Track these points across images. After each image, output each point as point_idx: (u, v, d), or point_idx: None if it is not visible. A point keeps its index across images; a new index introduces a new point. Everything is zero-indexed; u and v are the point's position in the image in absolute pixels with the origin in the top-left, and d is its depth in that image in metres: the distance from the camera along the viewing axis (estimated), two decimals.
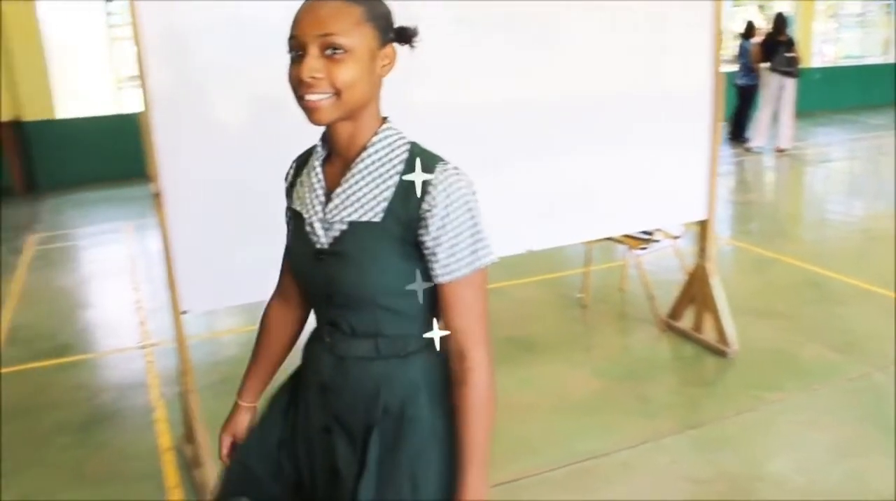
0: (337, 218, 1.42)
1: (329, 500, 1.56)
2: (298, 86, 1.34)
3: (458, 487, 1.45)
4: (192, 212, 2.88)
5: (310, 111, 1.35)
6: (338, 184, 1.44)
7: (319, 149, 1.49)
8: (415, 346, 1.49)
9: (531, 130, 3.53)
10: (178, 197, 2.84)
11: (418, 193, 1.38)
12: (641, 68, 3.79)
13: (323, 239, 1.45)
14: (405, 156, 1.42)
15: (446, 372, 1.50)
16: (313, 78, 1.31)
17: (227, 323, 4.89)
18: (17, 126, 9.41)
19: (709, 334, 4.31)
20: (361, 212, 1.40)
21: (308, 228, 1.47)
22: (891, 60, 15.30)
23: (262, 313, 1.76)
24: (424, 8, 3.13)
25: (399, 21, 1.44)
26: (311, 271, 1.49)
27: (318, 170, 1.47)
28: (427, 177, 1.39)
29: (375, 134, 1.42)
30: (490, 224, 3.60)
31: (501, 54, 3.41)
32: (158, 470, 3.33)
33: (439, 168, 1.40)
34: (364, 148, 1.42)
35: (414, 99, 3.23)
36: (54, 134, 9.61)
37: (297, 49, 1.34)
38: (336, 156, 1.46)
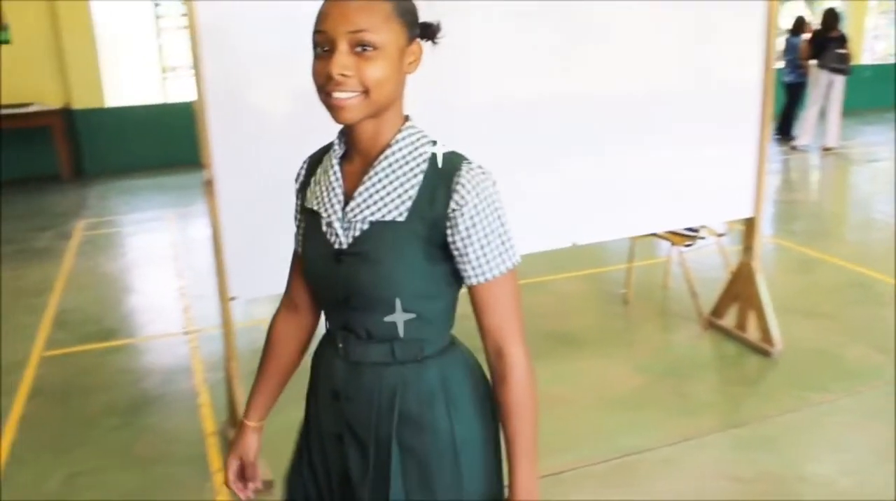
0: (358, 217, 1.38)
1: None
2: (326, 83, 1.29)
3: (510, 487, 1.44)
4: (241, 200, 2.92)
5: (336, 109, 1.31)
6: (357, 183, 1.40)
7: (337, 146, 1.45)
8: (431, 350, 1.45)
9: (579, 125, 3.53)
10: (228, 185, 2.88)
11: (445, 192, 1.35)
12: (691, 64, 3.76)
13: (343, 239, 1.40)
14: (428, 154, 1.38)
15: (462, 377, 1.48)
16: (343, 75, 1.27)
17: (266, 311, 4.94)
18: (67, 113, 9.57)
19: (752, 333, 4.27)
20: (385, 211, 1.36)
21: (326, 228, 1.42)
22: None
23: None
24: (474, 4, 3.14)
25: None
26: (328, 273, 1.43)
27: (337, 168, 1.43)
28: (454, 175, 1.35)
29: (399, 131, 1.39)
30: (535, 217, 3.60)
31: (548, 50, 3.41)
32: (203, 454, 3.38)
33: (465, 167, 1.36)
34: (387, 146, 1.38)
35: (462, 94, 3.25)
36: (101, 121, 9.76)
37: (325, 44, 1.29)
38: (356, 154, 1.42)
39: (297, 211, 1.57)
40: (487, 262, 1.37)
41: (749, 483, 3.08)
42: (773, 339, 4.12)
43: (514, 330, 1.42)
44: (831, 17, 9.87)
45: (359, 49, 1.27)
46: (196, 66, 2.73)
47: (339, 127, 1.44)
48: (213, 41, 2.75)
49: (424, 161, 1.37)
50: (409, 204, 1.35)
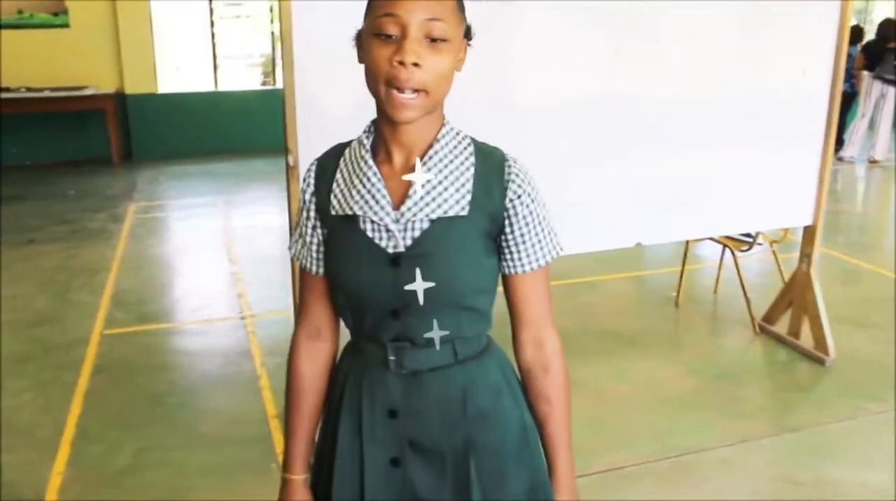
0: (418, 216, 1.31)
1: None
2: (394, 73, 1.23)
3: (557, 478, 1.47)
4: None
5: (399, 107, 1.25)
6: (403, 182, 1.34)
7: (366, 142, 1.38)
8: (485, 345, 1.45)
9: (643, 127, 3.55)
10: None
11: (500, 184, 1.35)
12: (756, 68, 3.75)
13: (400, 240, 1.32)
14: (471, 148, 1.37)
15: (512, 367, 1.48)
16: (416, 64, 1.22)
17: None
18: (120, 98, 9.71)
19: (805, 340, 4.28)
20: (446, 206, 1.31)
21: (374, 232, 1.34)
22: None
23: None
24: (536, 4, 3.16)
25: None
26: (381, 280, 1.33)
27: (375, 167, 1.34)
28: (504, 167, 1.36)
29: (441, 127, 1.36)
30: (601, 216, 3.61)
31: (611, 50, 3.43)
32: (267, 434, 3.45)
33: (510, 159, 1.37)
34: (436, 141, 1.34)
35: (524, 93, 3.28)
36: (152, 107, 9.89)
37: (392, 30, 1.23)
38: (396, 151, 1.35)
39: (305, 225, 1.45)
40: (542, 248, 1.40)
41: (806, 486, 3.10)
42: (828, 348, 4.12)
43: (551, 320, 1.45)
44: (889, 27, 9.75)
45: (430, 39, 1.23)
46: (284, 55, 2.80)
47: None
48: (302, 33, 2.81)
49: (470, 154, 1.36)
50: (468, 197, 1.33)
